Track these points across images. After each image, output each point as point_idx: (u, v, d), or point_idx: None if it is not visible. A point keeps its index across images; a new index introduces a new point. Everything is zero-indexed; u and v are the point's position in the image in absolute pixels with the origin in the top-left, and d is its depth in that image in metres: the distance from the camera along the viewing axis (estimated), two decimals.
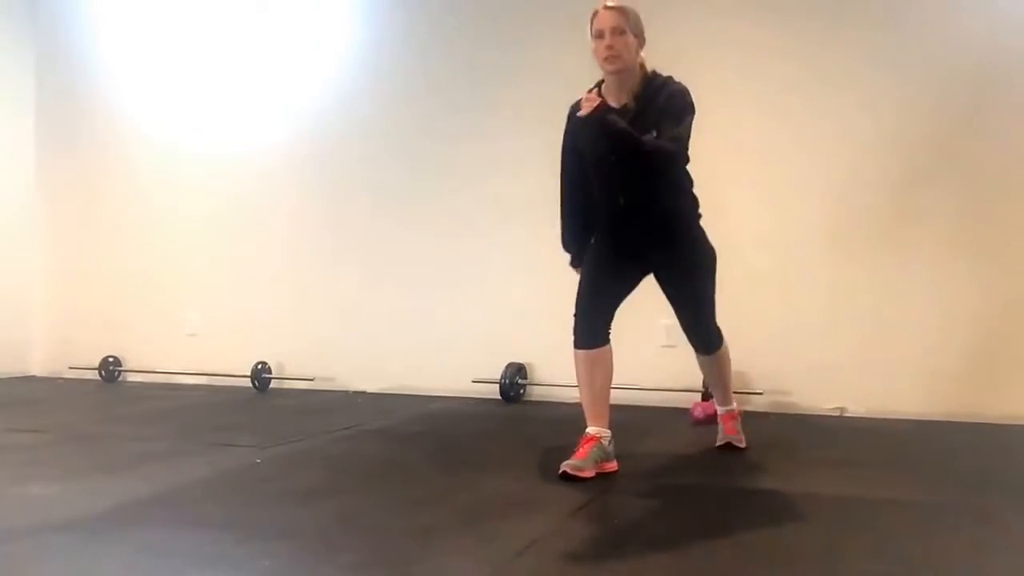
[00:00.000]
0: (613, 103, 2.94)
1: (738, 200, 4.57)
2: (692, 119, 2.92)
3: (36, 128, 6.29)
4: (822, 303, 4.48)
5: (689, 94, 2.95)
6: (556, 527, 2.39)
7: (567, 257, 3.32)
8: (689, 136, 2.93)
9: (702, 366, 3.46)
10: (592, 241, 3.21)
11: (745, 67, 4.60)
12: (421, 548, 2.21)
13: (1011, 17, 4.24)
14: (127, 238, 6.03)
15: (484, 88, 5.13)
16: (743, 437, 3.43)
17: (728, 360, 3.44)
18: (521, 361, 4.96)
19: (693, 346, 3.36)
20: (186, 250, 5.86)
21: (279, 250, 5.64)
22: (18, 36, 6.24)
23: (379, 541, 2.29)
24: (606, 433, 2.98)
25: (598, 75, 3.05)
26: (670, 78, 2.99)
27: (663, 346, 4.44)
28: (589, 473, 2.84)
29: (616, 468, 2.96)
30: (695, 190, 3.17)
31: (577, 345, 3.05)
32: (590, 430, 2.98)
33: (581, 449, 2.92)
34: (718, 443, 3.40)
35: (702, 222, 3.19)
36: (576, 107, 2.96)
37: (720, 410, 3.49)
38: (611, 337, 3.07)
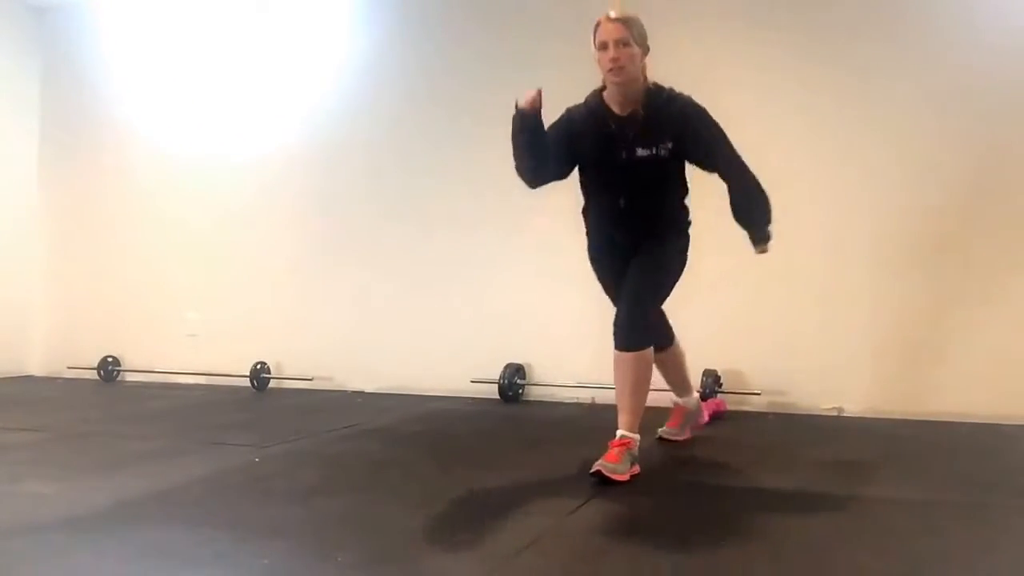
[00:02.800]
0: (617, 110, 2.99)
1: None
2: (723, 132, 3.04)
3: (40, 129, 6.32)
4: (820, 304, 4.48)
5: (705, 111, 3.02)
6: (555, 526, 2.39)
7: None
8: (731, 145, 3.05)
9: (616, 370, 3.00)
10: (588, 239, 3.28)
11: (750, 70, 4.61)
12: (419, 547, 2.21)
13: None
14: (127, 239, 6.04)
15: (484, 94, 5.12)
16: (625, 472, 2.83)
17: (648, 374, 3.01)
18: (520, 362, 4.96)
19: (616, 336, 2.99)
20: (186, 251, 5.86)
21: (278, 251, 5.64)
22: (24, 42, 6.29)
23: (377, 540, 2.29)
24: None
25: (597, 79, 3.07)
26: (672, 89, 3.03)
27: None
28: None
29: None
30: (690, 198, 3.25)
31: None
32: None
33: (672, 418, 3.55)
34: (591, 470, 2.80)
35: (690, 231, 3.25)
36: (575, 111, 3.06)
37: (618, 432, 2.94)
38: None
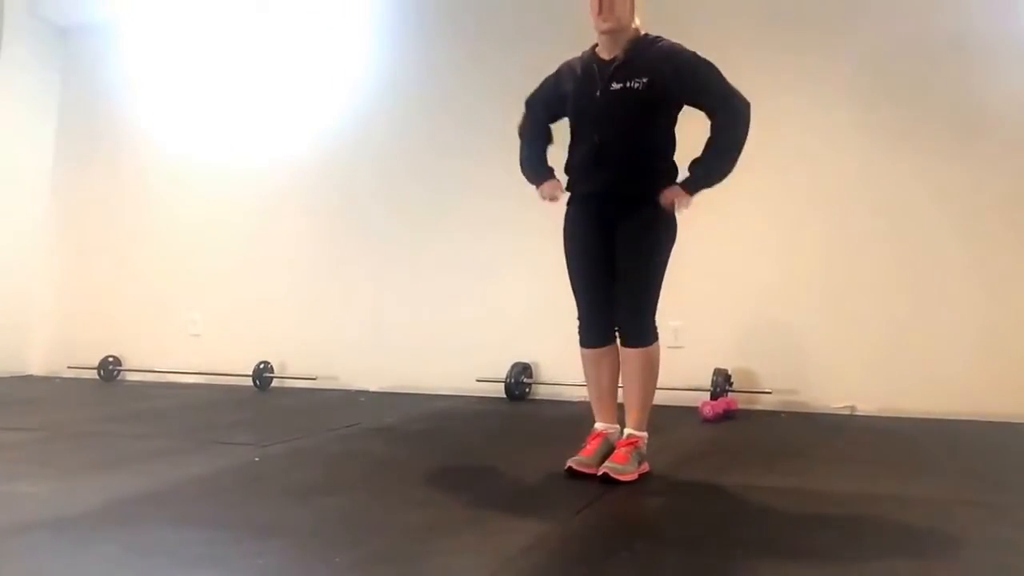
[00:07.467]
0: (605, 57, 2.96)
1: (749, 205, 4.55)
2: (716, 69, 2.90)
3: (55, 138, 6.39)
4: (831, 304, 4.45)
5: (694, 52, 2.91)
6: (560, 525, 2.34)
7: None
8: (726, 81, 2.90)
9: (624, 367, 2.95)
10: (566, 210, 3.10)
11: (753, 77, 4.54)
12: (423, 546, 2.16)
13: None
14: (130, 239, 6.03)
15: (494, 107, 5.09)
16: (632, 471, 2.80)
17: (655, 370, 2.94)
18: (526, 360, 4.91)
19: (622, 335, 2.94)
20: (188, 250, 5.84)
21: (281, 250, 5.62)
22: (48, 58, 6.41)
23: (378, 540, 2.23)
24: (614, 428, 2.98)
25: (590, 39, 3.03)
26: (659, 37, 2.96)
27: (670, 347, 4.37)
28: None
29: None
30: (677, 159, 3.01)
31: (584, 344, 3.02)
32: (598, 426, 2.99)
33: (589, 446, 2.91)
34: (599, 471, 2.78)
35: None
36: (568, 65, 3.06)
37: (625, 431, 2.91)
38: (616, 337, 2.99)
